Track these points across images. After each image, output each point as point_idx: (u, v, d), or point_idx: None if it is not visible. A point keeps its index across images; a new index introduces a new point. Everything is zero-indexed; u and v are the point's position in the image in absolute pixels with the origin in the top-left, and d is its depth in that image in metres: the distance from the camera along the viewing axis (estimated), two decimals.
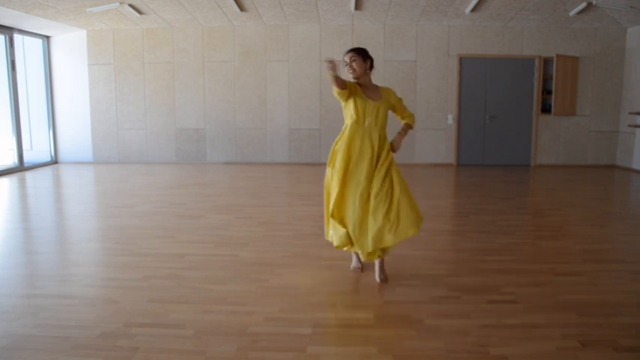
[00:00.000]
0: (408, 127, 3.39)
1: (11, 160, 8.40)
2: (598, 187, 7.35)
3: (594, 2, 7.39)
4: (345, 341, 2.50)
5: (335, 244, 3.24)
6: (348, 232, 3.16)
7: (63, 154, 9.44)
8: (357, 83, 3.28)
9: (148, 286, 3.22)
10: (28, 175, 8.08)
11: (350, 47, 3.42)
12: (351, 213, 3.14)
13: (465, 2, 7.70)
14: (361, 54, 3.29)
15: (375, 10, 8.11)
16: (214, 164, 9.16)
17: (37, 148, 9.27)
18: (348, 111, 3.26)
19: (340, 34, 8.76)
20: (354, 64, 3.25)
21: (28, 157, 8.75)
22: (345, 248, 3.25)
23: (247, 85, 9.04)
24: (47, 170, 8.58)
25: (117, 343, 2.44)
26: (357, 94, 3.23)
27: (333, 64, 2.98)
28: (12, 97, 8.27)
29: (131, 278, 3.36)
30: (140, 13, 8.11)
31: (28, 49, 9.04)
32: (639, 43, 8.38)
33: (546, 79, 8.84)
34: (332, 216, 3.19)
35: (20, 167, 8.41)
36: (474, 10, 7.90)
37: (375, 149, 3.21)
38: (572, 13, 7.84)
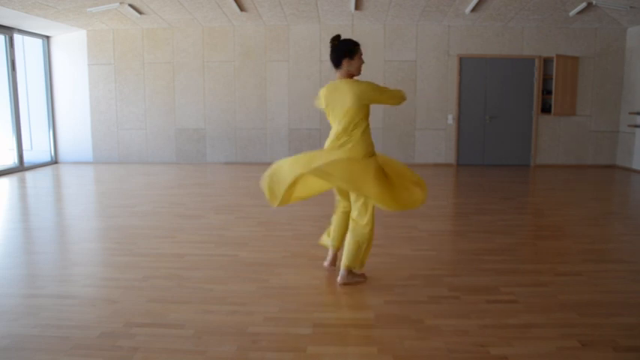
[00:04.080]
0: None
1: (11, 160, 8.40)
2: (598, 187, 7.36)
3: (594, 2, 7.39)
4: (345, 341, 2.50)
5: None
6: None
7: (63, 154, 9.44)
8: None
9: (148, 286, 3.22)
10: (28, 175, 8.08)
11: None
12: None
13: (464, 2, 7.70)
14: None
15: (375, 10, 8.11)
16: (214, 164, 9.16)
17: (37, 148, 9.26)
18: (367, 111, 3.14)
19: (340, 34, 8.74)
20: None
21: (28, 157, 8.74)
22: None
23: (247, 85, 9.04)
24: (47, 170, 8.58)
25: (117, 343, 2.44)
26: None
27: None
28: (12, 97, 8.26)
29: (131, 278, 3.36)
30: (140, 13, 8.11)
31: (28, 49, 9.04)
32: (639, 43, 8.38)
33: (546, 79, 8.84)
34: None
35: (20, 167, 8.41)
36: (474, 10, 7.90)
37: None
38: (572, 13, 7.84)
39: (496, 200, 6.09)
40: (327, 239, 3.49)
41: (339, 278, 3.23)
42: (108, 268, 3.67)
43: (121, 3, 7.62)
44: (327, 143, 3.17)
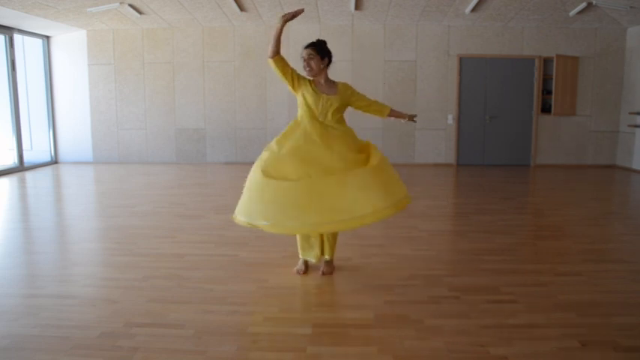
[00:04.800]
0: (394, 111, 3.34)
1: (11, 160, 8.40)
2: (598, 187, 7.36)
3: (594, 2, 7.39)
4: (345, 341, 2.50)
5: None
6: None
7: (63, 154, 9.43)
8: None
9: (148, 286, 3.21)
10: (28, 175, 8.08)
11: (332, 44, 3.40)
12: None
13: (464, 2, 7.70)
14: (319, 51, 3.23)
15: (375, 10, 8.10)
16: (214, 164, 9.16)
17: (37, 148, 9.26)
18: (300, 103, 3.23)
19: (340, 34, 8.76)
20: (311, 63, 3.20)
21: (28, 157, 8.74)
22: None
23: (247, 85, 9.04)
24: (47, 170, 8.58)
25: (117, 343, 2.44)
26: (307, 88, 3.19)
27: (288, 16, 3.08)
28: (12, 97, 8.26)
29: (131, 278, 3.36)
30: (140, 13, 8.11)
31: (28, 49, 9.04)
32: (639, 43, 8.38)
33: (546, 79, 8.84)
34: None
35: (20, 167, 8.41)
36: (474, 10, 7.90)
37: (329, 142, 3.11)
38: (572, 13, 7.84)
39: (496, 200, 6.09)
40: (311, 252, 3.41)
41: (327, 269, 3.40)
42: (108, 268, 3.67)
43: (121, 3, 7.62)
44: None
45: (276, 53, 3.13)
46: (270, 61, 3.16)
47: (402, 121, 3.37)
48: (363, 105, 3.31)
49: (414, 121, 3.39)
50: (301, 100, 3.21)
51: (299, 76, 3.24)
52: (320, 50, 3.24)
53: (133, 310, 2.85)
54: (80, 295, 3.08)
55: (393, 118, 3.38)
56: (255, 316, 2.77)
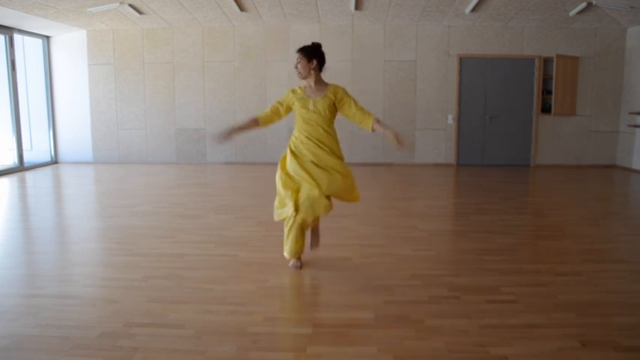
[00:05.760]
0: (378, 121, 3.30)
1: (11, 160, 8.40)
2: (598, 187, 7.36)
3: (594, 2, 7.39)
4: (345, 341, 2.50)
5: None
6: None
7: (63, 154, 9.43)
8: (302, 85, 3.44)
9: (148, 286, 3.22)
10: (28, 175, 8.08)
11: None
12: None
13: (464, 2, 7.70)
14: (306, 55, 3.32)
15: (375, 10, 8.10)
16: (214, 164, 9.16)
17: (37, 148, 9.26)
18: (296, 113, 3.43)
19: (340, 34, 8.76)
20: (299, 66, 3.35)
21: (28, 157, 8.74)
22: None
23: (247, 85, 9.04)
24: (47, 170, 8.58)
25: (117, 343, 2.44)
26: (295, 98, 3.39)
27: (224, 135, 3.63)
28: (12, 97, 8.26)
29: (131, 278, 3.36)
30: (140, 13, 8.11)
31: (28, 49, 9.04)
32: (639, 43, 8.38)
33: (546, 79, 8.84)
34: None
35: (20, 167, 8.41)
36: (474, 10, 7.90)
37: (322, 144, 3.32)
38: (572, 13, 7.84)
39: (496, 200, 6.09)
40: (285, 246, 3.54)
41: (314, 240, 3.64)
42: (108, 268, 3.67)
43: (121, 3, 7.61)
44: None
45: (258, 124, 3.64)
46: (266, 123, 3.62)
47: (388, 137, 3.23)
48: (349, 113, 3.35)
49: (399, 144, 3.21)
50: (295, 108, 3.42)
51: (287, 98, 3.45)
52: (307, 54, 3.33)
53: (133, 310, 2.85)
54: (80, 295, 3.08)
55: (380, 132, 3.34)
56: (255, 316, 2.76)
